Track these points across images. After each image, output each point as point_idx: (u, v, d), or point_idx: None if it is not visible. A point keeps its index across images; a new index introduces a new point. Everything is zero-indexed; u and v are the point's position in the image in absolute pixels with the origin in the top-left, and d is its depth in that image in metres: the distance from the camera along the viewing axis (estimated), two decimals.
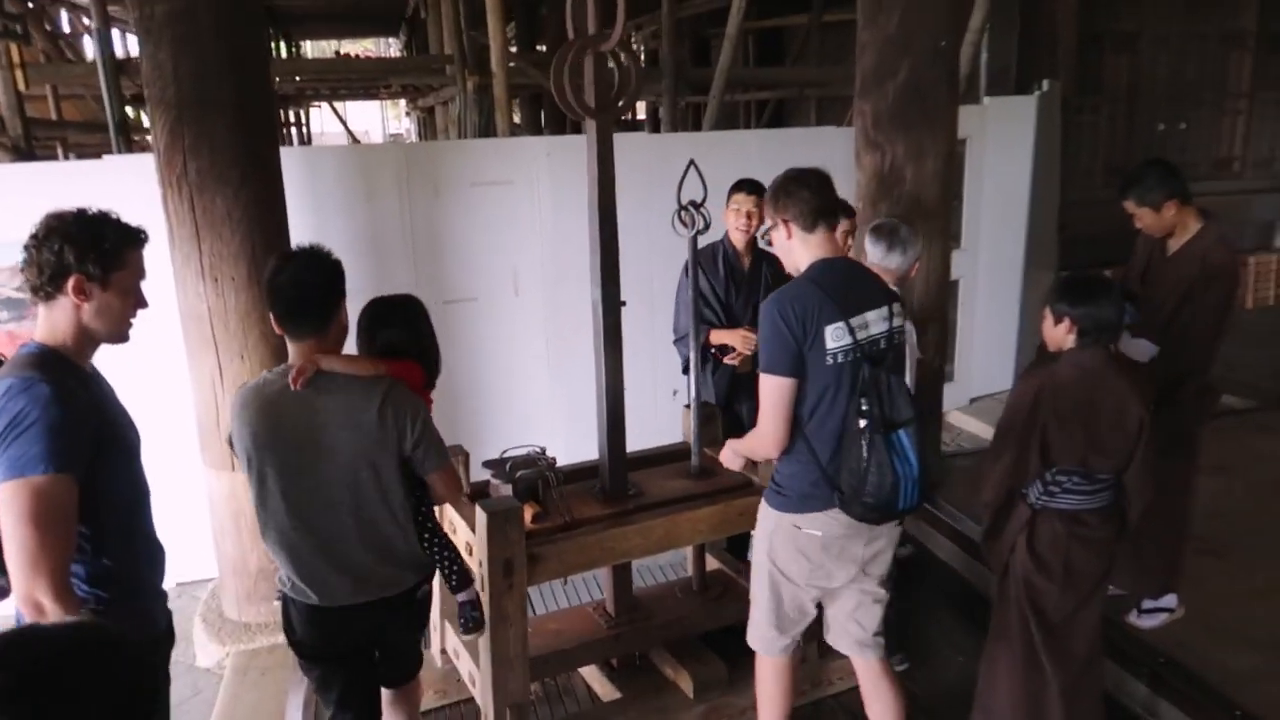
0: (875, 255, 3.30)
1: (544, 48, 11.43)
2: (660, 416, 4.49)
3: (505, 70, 5.66)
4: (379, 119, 34.80)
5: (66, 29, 11.83)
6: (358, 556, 2.37)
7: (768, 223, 2.67)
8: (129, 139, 5.86)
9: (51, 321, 1.97)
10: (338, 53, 23.36)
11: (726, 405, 3.80)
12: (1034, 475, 2.72)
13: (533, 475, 2.97)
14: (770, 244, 2.72)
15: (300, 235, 2.80)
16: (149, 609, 2.12)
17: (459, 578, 2.63)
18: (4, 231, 2.84)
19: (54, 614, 1.79)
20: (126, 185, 4.04)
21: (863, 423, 2.42)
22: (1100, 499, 2.72)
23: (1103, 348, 2.66)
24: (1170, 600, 3.53)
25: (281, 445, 2.30)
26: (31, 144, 6.79)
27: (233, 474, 3.89)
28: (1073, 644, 2.80)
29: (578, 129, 10.90)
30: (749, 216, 3.71)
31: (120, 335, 2.05)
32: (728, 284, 3.80)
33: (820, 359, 2.43)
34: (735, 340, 3.72)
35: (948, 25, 4.18)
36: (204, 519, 4.03)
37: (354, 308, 2.51)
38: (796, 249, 2.57)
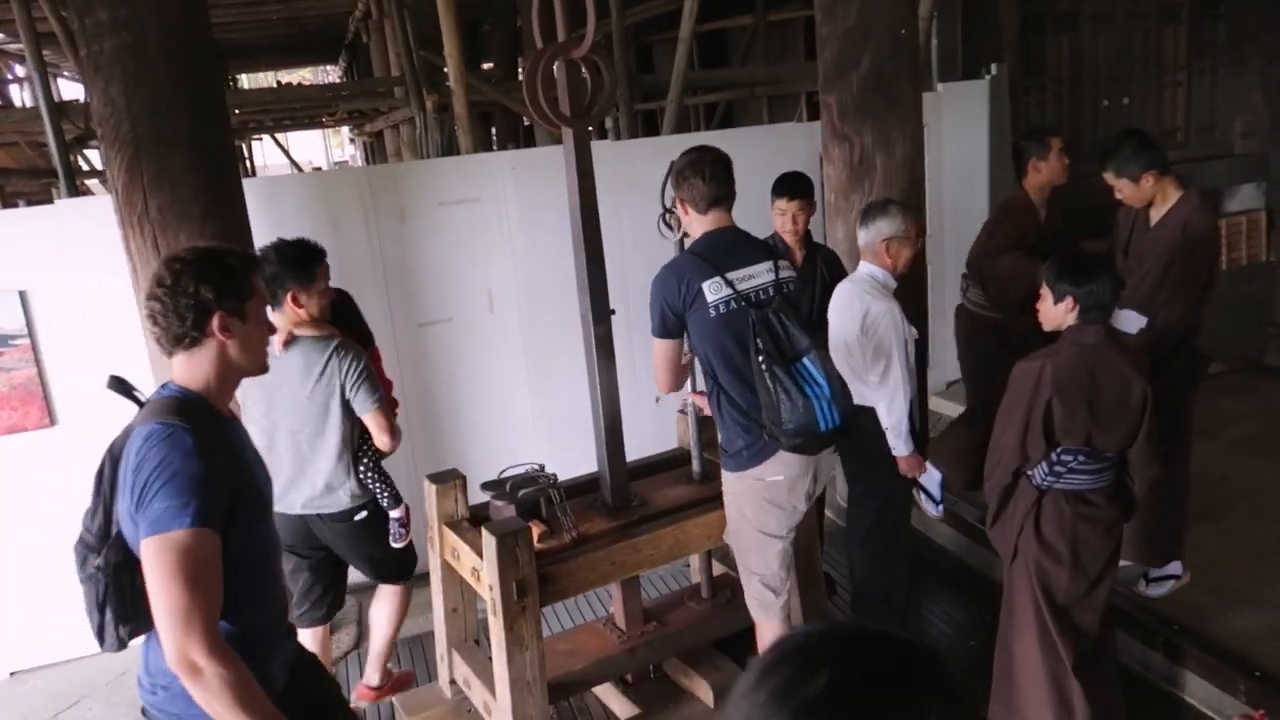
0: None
1: (490, 65, 11.35)
2: (646, 423, 4.43)
3: (465, 87, 5.58)
4: (322, 148, 34.32)
5: None
6: (309, 477, 3.04)
7: (669, 196, 2.93)
8: (74, 182, 5.67)
9: (194, 365, 1.89)
10: (279, 83, 22.99)
11: None
12: (1040, 456, 2.70)
13: (535, 493, 2.90)
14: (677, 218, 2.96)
15: None
16: (268, 670, 1.94)
17: (390, 499, 3.20)
18: None
19: (210, 673, 1.67)
20: (82, 228, 3.93)
21: (761, 359, 2.62)
22: (1105, 478, 2.71)
23: (1101, 324, 2.66)
24: (1176, 567, 3.54)
25: (257, 388, 2.90)
26: None
27: None
28: (1084, 623, 2.78)
29: (531, 144, 10.78)
30: (794, 220, 3.62)
31: (263, 365, 2.00)
32: None
33: (704, 314, 2.70)
34: None
35: (904, 13, 4.19)
36: None
37: None
38: (693, 224, 2.87)
